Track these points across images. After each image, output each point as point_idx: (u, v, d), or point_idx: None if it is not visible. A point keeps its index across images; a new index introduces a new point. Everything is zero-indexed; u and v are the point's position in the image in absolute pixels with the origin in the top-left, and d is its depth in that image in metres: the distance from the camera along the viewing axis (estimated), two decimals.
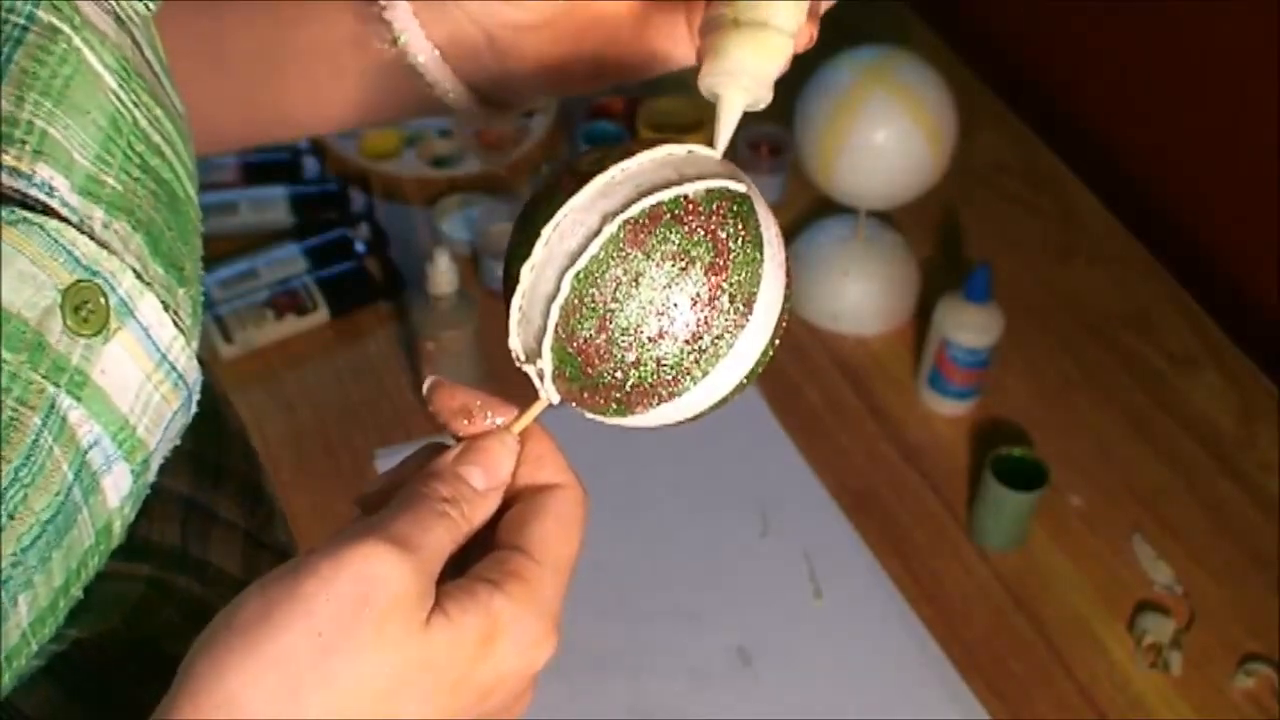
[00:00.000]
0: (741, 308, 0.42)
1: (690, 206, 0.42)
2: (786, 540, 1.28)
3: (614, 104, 1.63)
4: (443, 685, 0.40)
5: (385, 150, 1.58)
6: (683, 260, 0.41)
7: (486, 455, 0.45)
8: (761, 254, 0.42)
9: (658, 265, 0.41)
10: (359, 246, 1.47)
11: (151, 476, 0.46)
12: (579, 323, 0.42)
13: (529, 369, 0.44)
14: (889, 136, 1.31)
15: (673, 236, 0.41)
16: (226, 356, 1.37)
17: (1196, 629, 1.22)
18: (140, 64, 0.45)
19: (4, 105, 0.39)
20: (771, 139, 1.55)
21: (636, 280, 0.41)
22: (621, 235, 0.41)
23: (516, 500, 0.45)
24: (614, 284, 0.41)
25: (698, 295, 0.41)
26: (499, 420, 0.46)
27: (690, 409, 0.44)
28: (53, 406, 0.40)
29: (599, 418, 0.44)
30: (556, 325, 0.42)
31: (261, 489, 0.63)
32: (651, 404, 0.43)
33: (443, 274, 1.35)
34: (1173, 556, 1.27)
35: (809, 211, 1.55)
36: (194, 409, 0.48)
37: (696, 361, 0.42)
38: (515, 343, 0.44)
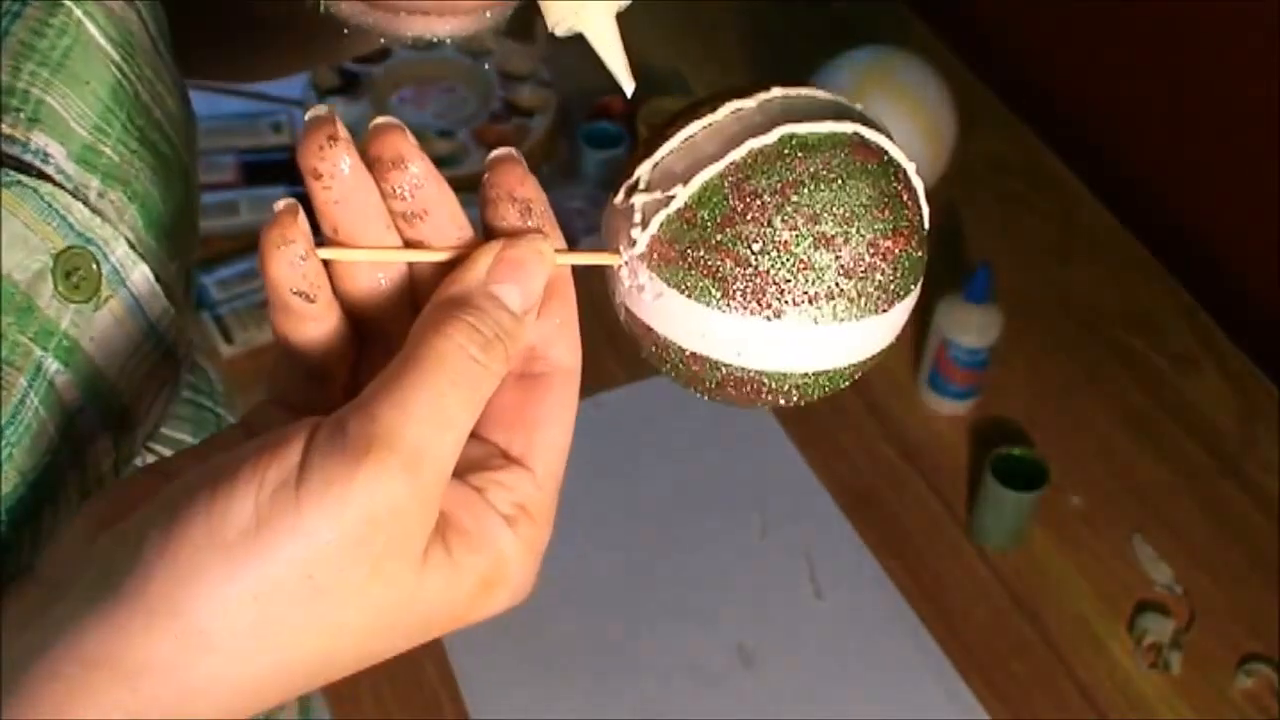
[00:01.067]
0: (893, 291, 0.39)
1: (901, 173, 0.39)
2: (786, 540, 1.28)
3: (614, 104, 1.63)
4: (429, 625, 0.36)
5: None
6: (888, 205, 0.38)
7: (522, 270, 0.38)
8: (919, 278, 0.40)
9: (869, 186, 0.38)
10: None
11: (138, 449, 0.46)
12: (761, 172, 0.37)
13: (640, 199, 0.39)
14: None
15: (891, 182, 0.38)
16: (226, 356, 1.37)
17: (1196, 629, 1.22)
18: (145, 39, 0.45)
19: (1, 75, 0.39)
20: None
21: (843, 180, 0.37)
22: (850, 139, 0.38)
23: (523, 376, 0.39)
24: (821, 167, 0.37)
25: (877, 242, 0.38)
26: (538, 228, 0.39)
27: (766, 348, 0.38)
28: (39, 369, 0.40)
29: (664, 294, 0.38)
30: (736, 161, 0.37)
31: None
32: (748, 306, 0.37)
33: None
34: (1173, 556, 1.27)
35: None
36: (183, 383, 0.48)
37: (830, 297, 0.37)
38: (646, 168, 0.39)
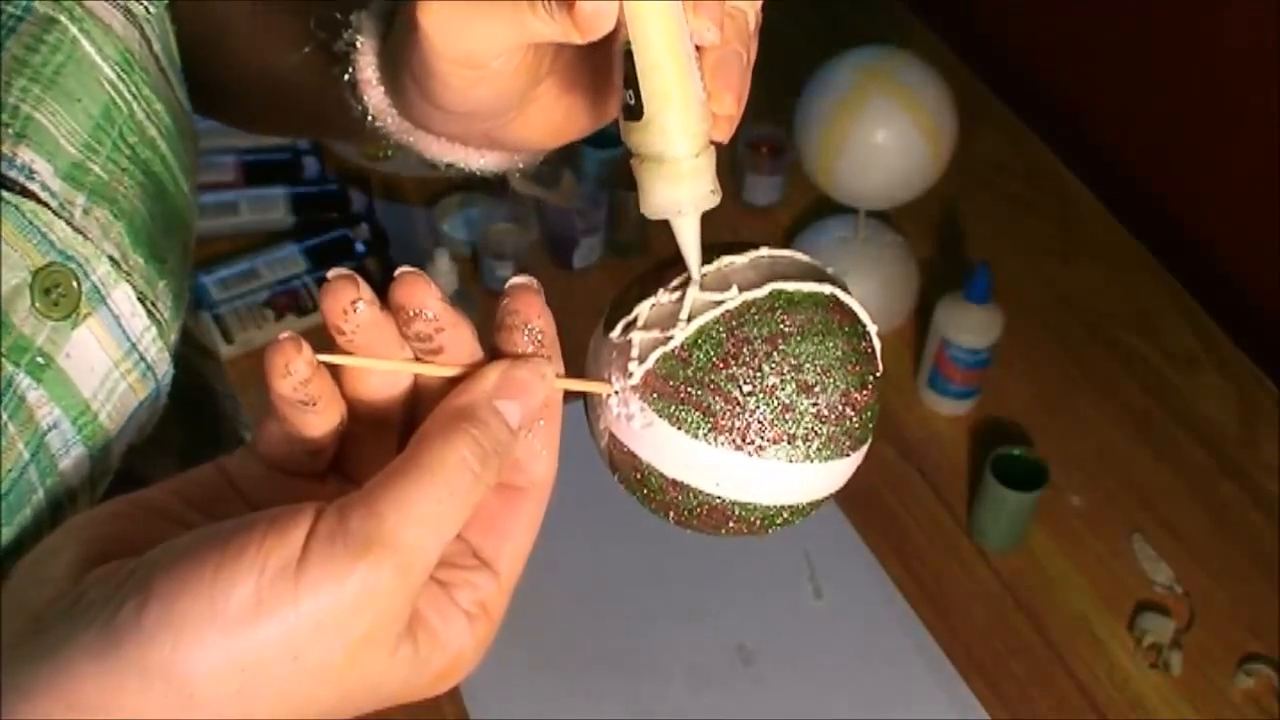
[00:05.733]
0: (857, 438, 0.43)
1: (870, 338, 0.43)
2: (786, 540, 1.28)
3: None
4: (384, 701, 0.38)
5: (385, 150, 1.58)
6: (859, 361, 0.42)
7: (525, 390, 0.40)
8: (871, 434, 0.44)
9: (846, 343, 0.42)
10: (359, 246, 1.47)
11: (114, 463, 0.46)
12: (753, 322, 0.41)
13: (639, 335, 0.42)
14: (889, 136, 1.31)
15: (862, 341, 0.43)
16: (226, 356, 1.37)
17: (1196, 629, 1.22)
18: (146, 58, 0.45)
19: None
20: (771, 139, 1.55)
21: (822, 336, 0.41)
22: (828, 299, 0.42)
23: (504, 486, 0.41)
24: (805, 322, 0.41)
25: (849, 393, 0.42)
26: (545, 356, 0.41)
27: (743, 480, 0.42)
28: (10, 384, 0.40)
29: (653, 423, 0.42)
30: (731, 310, 0.41)
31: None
32: (734, 441, 0.41)
33: (443, 274, 1.35)
34: (1173, 556, 1.27)
35: (809, 211, 1.55)
36: (164, 400, 0.48)
37: (805, 439, 0.41)
38: (644, 307, 0.42)
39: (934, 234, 1.56)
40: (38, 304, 0.41)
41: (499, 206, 1.50)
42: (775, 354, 0.41)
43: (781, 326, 0.41)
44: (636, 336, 0.42)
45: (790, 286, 0.42)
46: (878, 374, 0.43)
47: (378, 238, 1.49)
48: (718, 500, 0.42)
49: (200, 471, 0.40)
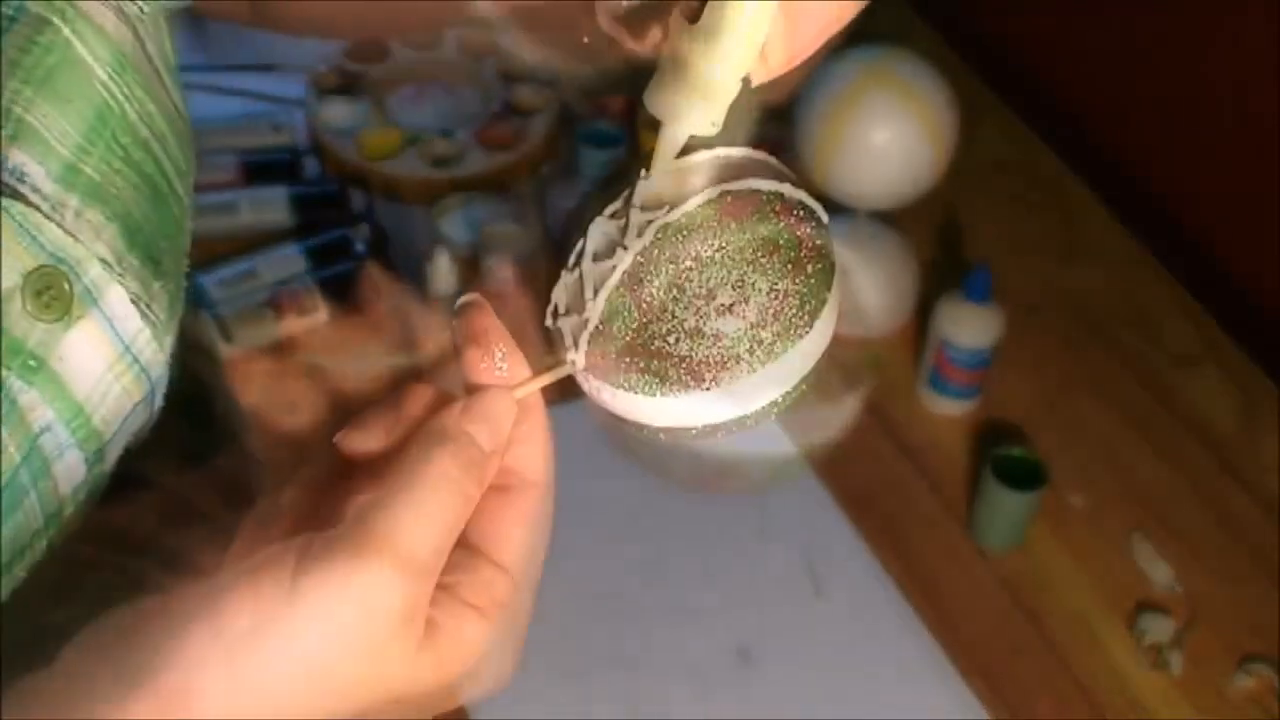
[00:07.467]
0: (806, 318, 0.42)
1: (785, 205, 0.42)
2: (786, 540, 1.28)
3: (614, 104, 1.63)
4: (412, 707, 0.39)
5: (385, 150, 1.58)
6: (774, 247, 0.41)
7: (490, 413, 0.42)
8: (830, 285, 0.43)
9: (749, 241, 0.41)
10: (359, 246, 1.47)
11: (109, 466, 0.46)
12: (652, 274, 0.41)
13: (564, 323, 0.43)
14: (889, 136, 1.31)
15: (767, 222, 0.42)
16: (226, 356, 1.37)
17: (1196, 629, 1.22)
18: (140, 59, 0.45)
19: None
20: (771, 139, 1.55)
21: (724, 248, 0.41)
22: (717, 203, 0.41)
23: (497, 489, 0.42)
24: (702, 247, 0.41)
25: (775, 286, 0.41)
26: (502, 368, 0.43)
27: (721, 408, 0.42)
28: (2, 387, 0.40)
29: (617, 393, 0.42)
30: (628, 270, 0.41)
31: (250, 489, 0.63)
32: (687, 386, 0.41)
33: (443, 274, 1.35)
34: (1173, 556, 1.27)
35: None
36: (159, 403, 0.48)
37: (751, 351, 0.41)
38: (560, 293, 0.43)
39: (934, 234, 1.56)
40: (29, 306, 0.40)
41: (499, 206, 1.50)
42: (683, 296, 0.41)
43: (678, 264, 0.41)
44: (564, 323, 0.43)
45: (674, 216, 0.41)
46: (807, 230, 0.42)
47: (378, 238, 1.49)
48: (710, 428, 0.42)
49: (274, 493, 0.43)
